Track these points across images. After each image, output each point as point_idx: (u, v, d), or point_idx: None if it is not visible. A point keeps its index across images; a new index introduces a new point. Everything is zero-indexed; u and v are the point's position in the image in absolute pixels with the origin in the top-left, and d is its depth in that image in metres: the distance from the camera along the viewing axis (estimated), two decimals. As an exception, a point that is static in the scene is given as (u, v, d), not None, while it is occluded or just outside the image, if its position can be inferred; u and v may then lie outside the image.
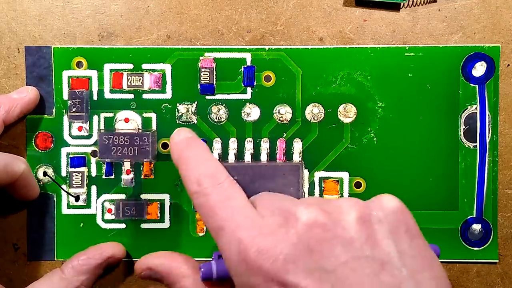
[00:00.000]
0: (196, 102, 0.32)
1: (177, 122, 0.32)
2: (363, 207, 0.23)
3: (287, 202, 0.24)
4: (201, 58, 0.32)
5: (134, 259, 0.32)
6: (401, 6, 0.32)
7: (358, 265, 0.21)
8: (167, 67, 0.32)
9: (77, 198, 0.32)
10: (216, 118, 0.32)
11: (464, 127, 0.32)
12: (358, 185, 0.32)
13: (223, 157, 0.32)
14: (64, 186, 0.32)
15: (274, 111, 0.32)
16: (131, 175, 0.32)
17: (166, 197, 0.32)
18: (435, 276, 0.22)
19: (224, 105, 0.32)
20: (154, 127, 0.32)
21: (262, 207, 0.24)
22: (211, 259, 0.26)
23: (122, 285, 0.32)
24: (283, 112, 0.32)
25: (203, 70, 0.32)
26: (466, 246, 0.32)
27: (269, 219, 0.23)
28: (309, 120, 0.32)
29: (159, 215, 0.32)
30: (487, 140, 0.31)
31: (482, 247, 0.32)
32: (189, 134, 0.27)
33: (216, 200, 0.24)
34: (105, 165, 0.32)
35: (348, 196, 0.32)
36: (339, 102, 0.32)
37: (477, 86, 0.32)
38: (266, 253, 0.22)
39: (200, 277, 0.25)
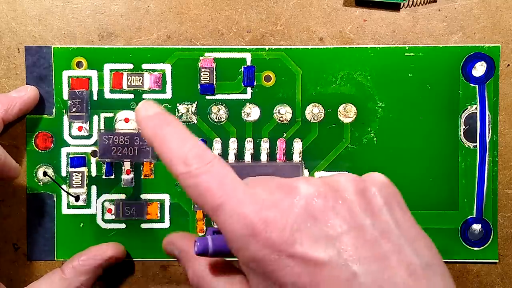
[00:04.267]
0: (196, 102, 0.32)
1: (177, 122, 0.32)
2: (359, 181, 0.24)
3: (285, 180, 0.24)
4: (201, 58, 0.32)
5: (134, 259, 0.32)
6: (401, 6, 0.32)
7: (360, 232, 0.22)
8: (167, 67, 0.32)
9: (77, 198, 0.32)
10: (216, 118, 0.32)
11: (464, 127, 0.32)
12: (358, 185, 0.32)
13: (223, 157, 0.32)
14: (64, 186, 0.32)
15: (274, 111, 0.32)
16: (131, 175, 0.32)
17: (166, 197, 0.32)
18: (429, 246, 0.23)
19: (224, 105, 0.32)
20: (154, 127, 0.32)
21: (259, 187, 0.24)
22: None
23: (122, 285, 0.32)
24: (283, 112, 0.32)
25: (203, 70, 0.32)
26: (466, 246, 0.32)
27: (269, 192, 0.23)
28: (309, 120, 0.32)
29: (159, 215, 0.32)
30: (487, 140, 0.31)
31: (482, 247, 0.32)
32: (157, 108, 0.25)
33: (209, 180, 0.23)
34: (105, 165, 0.32)
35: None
36: (339, 102, 0.32)
37: (477, 86, 0.32)
38: (274, 224, 0.22)
39: (195, 251, 0.25)
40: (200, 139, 0.32)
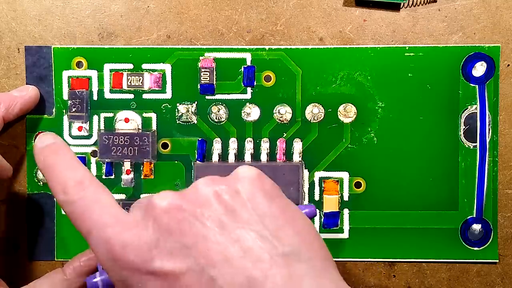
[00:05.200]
0: (196, 102, 0.32)
1: (177, 122, 0.32)
2: (218, 182, 0.24)
3: (146, 197, 0.25)
4: (201, 58, 0.32)
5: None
6: (401, 6, 0.32)
7: (218, 236, 0.22)
8: (167, 67, 0.32)
9: (77, 198, 0.32)
10: (216, 118, 0.32)
11: (464, 127, 0.32)
12: (358, 185, 0.32)
13: (223, 157, 0.32)
14: (64, 186, 0.32)
15: (274, 111, 0.32)
16: (131, 175, 0.32)
17: (166, 197, 0.32)
18: (298, 231, 0.23)
19: (224, 105, 0.32)
20: (154, 127, 0.32)
21: (132, 206, 0.25)
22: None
23: (122, 285, 0.32)
24: (283, 112, 0.32)
25: (203, 70, 0.32)
26: (466, 246, 0.32)
27: (132, 214, 0.24)
28: (309, 120, 0.32)
29: (159, 215, 0.32)
30: (487, 140, 0.31)
31: (482, 247, 0.32)
32: (52, 139, 0.27)
33: (82, 206, 0.24)
34: (105, 165, 0.32)
35: (348, 196, 0.32)
36: (339, 102, 0.32)
37: (477, 86, 0.32)
38: (130, 246, 0.23)
39: None
40: (199, 139, 0.32)
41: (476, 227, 0.32)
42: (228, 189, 0.24)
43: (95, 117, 0.32)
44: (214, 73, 0.32)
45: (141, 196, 0.32)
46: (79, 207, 0.24)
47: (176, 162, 0.32)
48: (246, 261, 0.22)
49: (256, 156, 0.32)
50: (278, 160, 0.32)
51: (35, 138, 0.32)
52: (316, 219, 0.32)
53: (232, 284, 0.21)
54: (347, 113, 0.32)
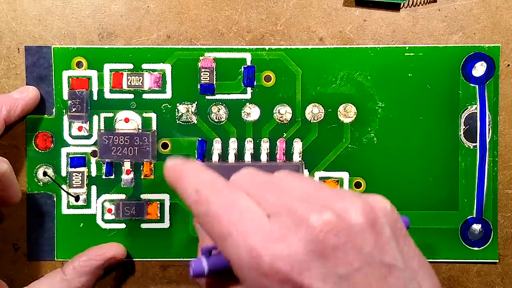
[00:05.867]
0: (196, 102, 0.32)
1: (177, 122, 0.32)
2: (369, 212, 0.23)
3: (294, 201, 0.23)
4: (201, 58, 0.32)
5: (134, 259, 0.32)
6: (401, 6, 0.32)
7: (370, 270, 0.21)
8: (167, 67, 0.32)
9: (77, 198, 0.32)
10: (216, 118, 0.32)
11: (464, 127, 0.32)
12: (358, 185, 0.32)
13: (223, 157, 0.32)
14: (64, 186, 0.32)
15: (274, 111, 0.32)
16: (131, 175, 0.32)
17: (166, 197, 0.32)
18: (429, 275, 0.23)
19: (224, 105, 0.32)
20: (154, 127, 0.32)
21: (267, 203, 0.23)
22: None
23: (122, 285, 0.32)
24: (283, 112, 0.32)
25: (203, 70, 0.32)
26: (466, 246, 0.32)
27: (277, 221, 0.23)
28: (309, 120, 0.32)
29: (159, 215, 0.32)
30: (487, 140, 0.31)
31: (482, 247, 0.32)
32: (181, 159, 0.26)
33: (218, 206, 0.23)
34: (105, 165, 0.32)
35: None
36: (339, 102, 0.32)
37: (477, 86, 0.32)
38: (281, 259, 0.21)
39: (190, 274, 0.25)
40: (199, 139, 0.32)
41: (476, 227, 0.32)
42: (378, 220, 0.23)
43: (95, 117, 0.32)
44: (214, 73, 0.32)
45: (141, 196, 0.32)
46: (214, 208, 0.23)
47: (176, 162, 0.32)
48: None
49: (256, 156, 0.32)
50: (278, 160, 0.32)
51: (35, 139, 0.32)
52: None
53: None
54: (347, 113, 0.32)
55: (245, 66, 0.32)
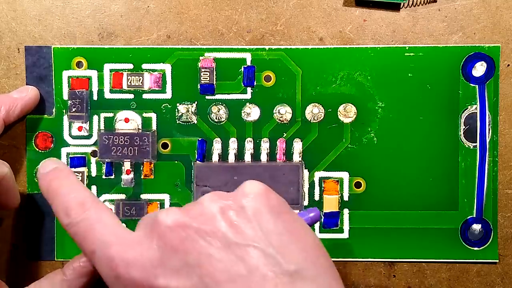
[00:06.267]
0: (196, 102, 0.32)
1: (177, 122, 0.32)
2: (224, 198, 0.24)
3: (153, 213, 0.25)
4: (201, 58, 0.32)
5: (134, 259, 0.32)
6: (401, 6, 0.32)
7: (223, 254, 0.22)
8: (167, 67, 0.32)
9: (77, 198, 0.32)
10: (216, 118, 0.32)
11: (464, 127, 0.32)
12: (358, 185, 0.32)
13: (223, 157, 0.32)
14: (64, 186, 0.32)
15: (274, 111, 0.32)
16: (131, 175, 0.32)
17: (166, 197, 0.32)
18: (304, 248, 0.23)
19: (224, 105, 0.32)
20: (154, 127, 0.32)
21: (138, 224, 0.25)
22: None
23: (122, 285, 0.32)
24: (283, 112, 0.32)
25: (203, 70, 0.32)
26: (466, 246, 0.32)
27: (137, 232, 0.24)
28: (309, 120, 0.32)
29: (159, 215, 0.32)
30: (487, 140, 0.31)
31: (482, 247, 0.32)
32: (55, 164, 0.28)
33: (85, 226, 0.24)
34: (105, 165, 0.32)
35: (348, 196, 0.32)
36: (339, 102, 0.32)
37: (477, 86, 0.32)
38: (134, 264, 0.23)
39: None
40: (199, 139, 0.32)
41: (476, 227, 0.32)
42: (234, 205, 0.23)
43: (95, 117, 0.32)
44: (214, 73, 0.32)
45: (141, 196, 0.32)
46: (81, 228, 0.24)
47: (176, 162, 0.32)
48: (250, 280, 0.21)
49: (256, 156, 0.32)
50: (278, 160, 0.32)
51: (35, 139, 0.32)
52: (316, 219, 0.32)
53: None
54: (347, 113, 0.32)
55: (245, 66, 0.32)
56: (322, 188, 0.32)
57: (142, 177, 0.32)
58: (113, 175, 0.32)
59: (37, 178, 0.27)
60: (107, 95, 0.32)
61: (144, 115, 0.32)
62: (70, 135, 0.32)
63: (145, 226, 0.24)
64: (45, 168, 0.28)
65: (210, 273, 0.22)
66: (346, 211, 0.32)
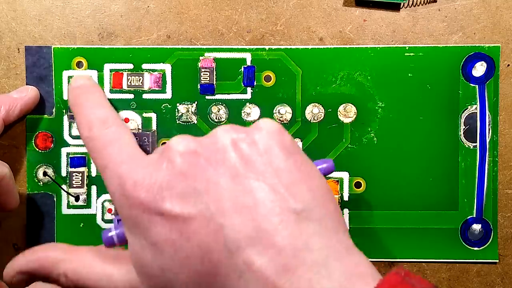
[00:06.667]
0: (196, 102, 0.32)
1: (177, 122, 0.32)
2: (237, 131, 0.24)
3: (169, 141, 0.24)
4: (201, 58, 0.32)
5: (134, 259, 0.32)
6: (401, 6, 0.32)
7: (231, 184, 0.22)
8: (167, 67, 0.32)
9: (77, 198, 0.32)
10: (216, 118, 0.32)
11: (464, 127, 0.32)
12: (358, 185, 0.32)
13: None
14: (64, 186, 0.32)
15: (274, 111, 0.32)
16: (131, 175, 0.32)
17: (166, 197, 0.32)
18: (312, 189, 0.23)
19: (224, 105, 0.32)
20: (154, 127, 0.32)
21: (154, 150, 0.25)
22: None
23: (122, 285, 0.32)
24: (283, 112, 0.32)
25: (203, 70, 0.32)
26: (466, 246, 0.32)
27: (151, 155, 0.24)
28: (309, 120, 0.32)
29: (159, 215, 0.32)
30: (487, 140, 0.31)
31: (482, 247, 0.32)
32: (85, 81, 0.29)
33: (103, 142, 0.25)
34: (105, 165, 0.32)
35: (348, 196, 0.32)
36: (339, 102, 0.32)
37: (477, 86, 0.32)
38: (141, 184, 0.23)
39: (104, 243, 0.25)
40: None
41: (476, 227, 0.32)
42: (246, 138, 0.23)
43: (95, 117, 0.32)
44: (214, 73, 0.32)
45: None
46: (99, 143, 0.25)
47: (176, 162, 0.32)
48: (256, 212, 0.21)
49: (256, 156, 0.32)
50: (278, 160, 0.32)
51: (35, 139, 0.32)
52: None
53: (239, 233, 0.21)
54: (347, 113, 0.32)
55: (245, 66, 0.32)
56: (322, 188, 0.32)
57: (142, 177, 0.32)
58: (113, 175, 0.32)
59: (68, 92, 0.28)
60: (107, 95, 0.32)
61: (144, 115, 0.32)
62: (70, 135, 0.32)
63: (158, 151, 0.24)
64: (76, 83, 0.29)
65: (216, 200, 0.22)
66: (346, 211, 0.32)
